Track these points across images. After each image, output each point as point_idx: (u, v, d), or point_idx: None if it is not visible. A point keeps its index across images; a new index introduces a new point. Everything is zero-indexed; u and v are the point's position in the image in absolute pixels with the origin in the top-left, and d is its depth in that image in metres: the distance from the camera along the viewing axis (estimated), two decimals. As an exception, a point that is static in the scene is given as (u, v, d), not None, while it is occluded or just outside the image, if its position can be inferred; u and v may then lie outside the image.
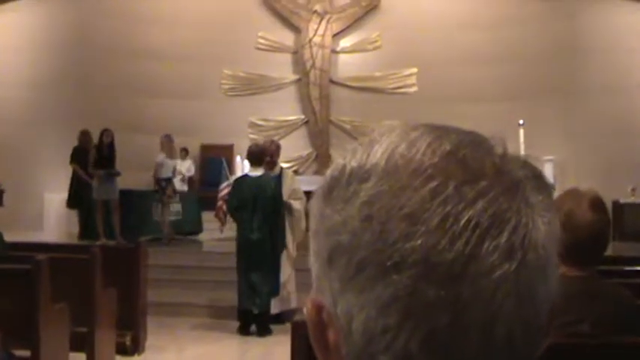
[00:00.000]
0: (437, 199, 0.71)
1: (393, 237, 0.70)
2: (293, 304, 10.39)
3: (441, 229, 0.69)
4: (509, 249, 0.70)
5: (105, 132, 14.44)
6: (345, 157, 0.79)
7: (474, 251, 0.69)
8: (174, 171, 14.98)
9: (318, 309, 0.78)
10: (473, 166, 0.73)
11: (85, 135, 14.86)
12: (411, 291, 0.69)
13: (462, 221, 0.70)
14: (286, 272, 10.38)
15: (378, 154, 0.76)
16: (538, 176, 0.77)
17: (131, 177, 14.76)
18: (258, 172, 10.03)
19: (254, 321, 9.93)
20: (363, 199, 0.73)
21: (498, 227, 0.70)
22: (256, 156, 10.13)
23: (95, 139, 14.56)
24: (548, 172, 13.45)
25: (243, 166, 15.94)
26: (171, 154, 14.98)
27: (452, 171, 0.72)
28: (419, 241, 0.69)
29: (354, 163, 0.77)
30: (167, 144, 14.90)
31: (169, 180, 14.80)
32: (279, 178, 10.47)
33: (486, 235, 0.70)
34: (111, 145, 14.33)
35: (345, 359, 0.76)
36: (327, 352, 0.79)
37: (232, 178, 13.56)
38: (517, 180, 0.74)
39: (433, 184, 0.71)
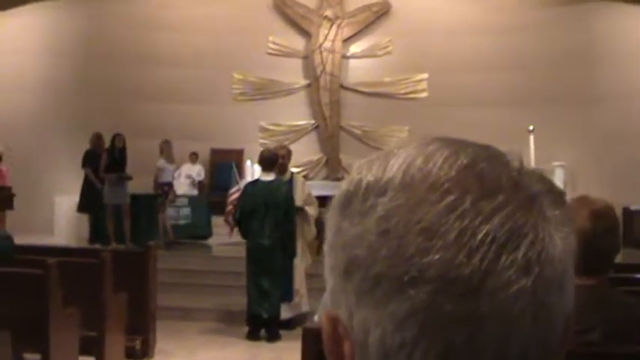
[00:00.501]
0: (454, 213, 0.71)
1: (409, 251, 0.70)
2: (304, 309, 10.39)
3: (458, 244, 0.70)
4: (526, 264, 0.70)
5: (117, 136, 14.50)
6: (360, 170, 0.79)
7: (491, 266, 0.69)
8: (174, 175, 15.04)
9: (334, 322, 0.78)
10: (490, 180, 0.73)
11: (98, 138, 14.89)
12: (428, 306, 0.69)
13: (479, 236, 0.70)
14: (299, 279, 10.37)
15: (394, 167, 0.76)
16: (554, 191, 0.77)
17: (140, 182, 14.79)
18: (270, 177, 10.01)
19: (264, 326, 9.92)
20: (380, 214, 0.73)
21: (515, 242, 0.70)
22: (268, 161, 10.11)
23: (107, 143, 14.62)
24: (558, 177, 13.42)
25: (253, 171, 15.95)
26: (170, 159, 15.05)
27: (469, 185, 0.72)
28: (436, 256, 0.70)
29: (370, 177, 0.77)
30: (166, 149, 14.97)
31: (170, 184, 14.86)
32: (290, 183, 10.48)
33: (503, 250, 0.70)
34: (123, 150, 14.39)
35: None
36: None
37: (242, 183, 13.59)
38: (534, 194, 0.74)
39: (450, 198, 0.71)
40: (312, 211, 10.40)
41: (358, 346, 0.75)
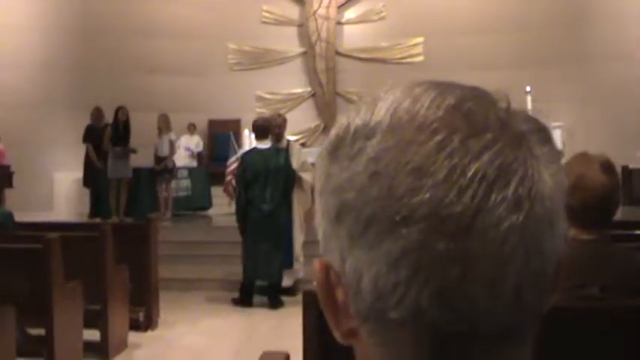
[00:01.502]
0: (443, 152, 0.71)
1: (400, 192, 0.70)
2: (301, 275, 10.45)
3: (448, 182, 0.69)
4: (517, 200, 0.70)
5: (120, 109, 14.47)
6: (348, 116, 0.79)
7: (482, 203, 0.69)
8: (171, 147, 14.97)
9: (326, 269, 0.79)
10: (477, 119, 0.73)
11: (97, 112, 14.83)
12: (421, 245, 0.69)
13: (469, 174, 0.70)
14: (298, 245, 10.42)
15: (382, 111, 0.76)
16: (542, 129, 0.77)
17: (139, 155, 14.79)
18: (266, 144, 10.06)
19: (265, 293, 9.98)
20: (369, 156, 0.73)
21: (505, 179, 0.70)
22: (262, 129, 10.15)
23: (109, 116, 14.60)
24: (556, 138, 13.36)
25: (250, 140, 15.93)
26: (167, 130, 14.98)
27: (457, 124, 0.72)
28: (427, 195, 0.69)
29: (358, 121, 0.77)
30: (162, 122, 14.94)
31: (165, 158, 14.82)
32: (286, 151, 10.48)
33: (493, 187, 0.70)
34: (126, 123, 14.38)
35: (354, 318, 0.77)
36: (335, 313, 0.79)
37: (240, 152, 13.59)
38: (521, 133, 0.74)
39: (438, 137, 0.71)
40: (307, 177, 10.40)
41: (352, 291, 0.75)
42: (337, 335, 0.80)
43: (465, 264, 0.69)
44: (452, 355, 0.73)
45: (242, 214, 10.01)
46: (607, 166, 3.01)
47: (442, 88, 0.77)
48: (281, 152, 10.16)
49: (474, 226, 0.69)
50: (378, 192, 0.71)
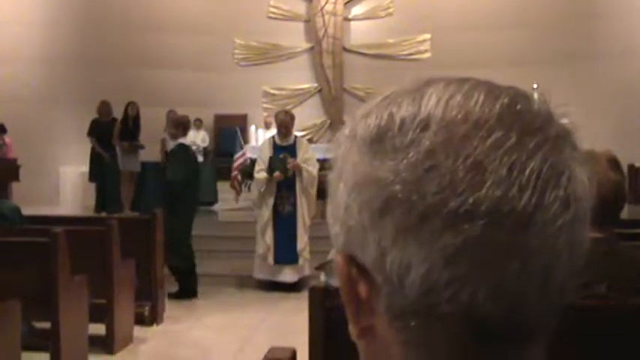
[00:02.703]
0: (501, 149, 0.72)
1: (461, 187, 0.71)
2: (307, 272, 10.45)
3: (509, 179, 0.71)
4: (567, 199, 0.73)
5: (131, 104, 14.51)
6: (385, 108, 0.78)
7: (540, 200, 0.71)
8: None
9: (349, 262, 0.78)
10: (528, 118, 0.75)
11: (104, 105, 14.83)
12: (482, 240, 0.70)
13: (527, 171, 0.71)
14: (302, 240, 10.42)
15: (432, 103, 0.75)
16: (572, 132, 0.79)
17: (145, 149, 14.82)
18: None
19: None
20: (425, 148, 0.73)
21: (556, 178, 0.72)
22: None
23: (117, 112, 14.62)
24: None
25: (257, 136, 15.97)
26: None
27: (511, 123, 0.73)
28: (489, 191, 0.70)
29: (404, 113, 0.76)
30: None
31: None
32: (294, 146, 10.49)
33: (547, 186, 0.72)
34: (136, 118, 14.41)
35: (384, 314, 0.76)
36: (357, 306, 0.78)
37: (246, 148, 13.60)
38: (561, 134, 0.76)
39: (497, 134, 0.72)
40: (310, 169, 10.37)
41: (389, 287, 0.74)
42: (353, 331, 0.80)
43: (524, 258, 0.71)
44: (487, 349, 0.74)
45: None
46: (614, 163, 3.01)
47: (489, 85, 0.78)
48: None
49: (533, 222, 0.71)
50: (438, 186, 0.71)
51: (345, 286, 0.79)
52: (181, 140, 10.41)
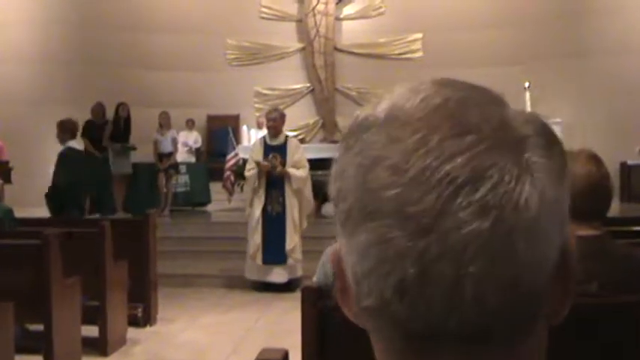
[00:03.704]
0: (418, 151, 0.71)
1: (374, 186, 0.72)
2: (299, 273, 10.45)
3: (417, 182, 0.70)
4: (483, 207, 0.69)
5: (121, 105, 14.49)
6: (364, 108, 0.82)
7: (446, 206, 0.69)
8: (175, 144, 15.01)
9: (335, 254, 0.81)
10: (461, 120, 0.73)
11: (98, 107, 14.80)
12: (385, 239, 0.71)
13: (437, 175, 0.70)
14: (292, 241, 10.42)
15: (383, 105, 0.78)
16: (544, 133, 0.76)
17: (138, 150, 14.80)
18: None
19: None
20: (358, 149, 0.75)
21: (475, 184, 0.69)
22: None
23: (110, 113, 14.60)
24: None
25: (249, 136, 15.96)
26: (169, 127, 15.03)
27: (438, 124, 0.73)
28: (395, 191, 0.71)
29: (362, 114, 0.79)
30: (163, 120, 14.98)
31: (169, 155, 14.85)
32: (284, 146, 10.48)
33: (460, 192, 0.69)
34: (127, 119, 14.39)
35: (354, 301, 0.79)
36: (344, 294, 0.81)
37: (239, 148, 13.60)
38: (520, 136, 0.74)
39: (417, 136, 0.72)
40: (300, 173, 10.36)
41: (349, 275, 0.78)
42: (349, 315, 0.83)
43: (423, 263, 0.70)
44: (419, 351, 0.74)
45: None
46: (595, 156, 3.02)
47: (438, 87, 0.77)
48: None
49: (435, 228, 0.69)
50: (357, 184, 0.74)
51: (336, 273, 0.82)
52: (70, 144, 10.38)
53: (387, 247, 0.70)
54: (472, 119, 0.73)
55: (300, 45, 18.95)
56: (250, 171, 10.44)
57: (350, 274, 0.76)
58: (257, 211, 10.43)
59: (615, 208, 3.22)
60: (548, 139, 0.76)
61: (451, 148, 0.71)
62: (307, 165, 10.44)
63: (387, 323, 0.74)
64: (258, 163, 10.27)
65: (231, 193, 13.64)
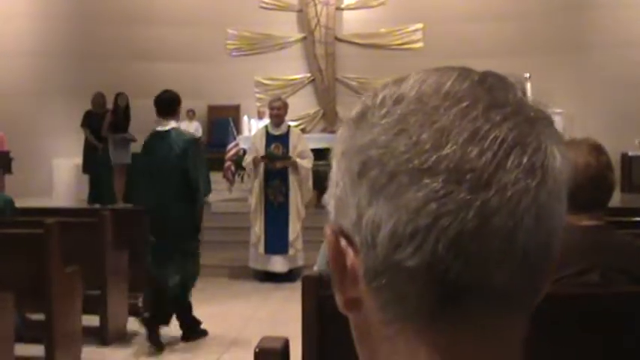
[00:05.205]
0: (467, 117, 0.76)
1: (425, 147, 0.75)
2: (300, 263, 10.47)
3: (471, 142, 0.75)
4: (531, 167, 0.75)
5: (119, 95, 14.47)
6: (372, 91, 0.84)
7: (501, 163, 0.74)
8: None
9: (337, 234, 0.82)
10: (498, 94, 0.79)
11: (99, 97, 14.78)
12: (443, 194, 0.73)
13: (490, 137, 0.75)
14: (294, 231, 10.43)
15: (408, 84, 0.81)
16: (549, 118, 0.81)
17: (138, 141, 14.78)
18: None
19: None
20: (396, 117, 0.78)
21: (521, 147, 0.75)
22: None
23: (110, 104, 14.59)
24: (557, 125, 13.38)
25: (250, 126, 15.95)
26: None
27: (480, 96, 0.78)
28: (451, 149, 0.74)
29: (385, 92, 0.82)
30: None
31: None
32: (287, 136, 10.48)
33: (511, 152, 0.75)
34: (126, 109, 14.37)
35: (363, 279, 0.80)
36: (343, 277, 0.82)
37: (239, 138, 13.60)
38: (534, 116, 0.79)
39: (463, 104, 0.77)
40: (306, 164, 10.39)
41: (365, 247, 0.78)
42: (340, 301, 0.83)
43: (483, 215, 0.73)
44: (455, 309, 0.76)
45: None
46: (597, 147, 3.03)
47: (463, 68, 0.83)
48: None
49: (493, 182, 0.74)
50: (405, 146, 0.76)
51: (332, 254, 0.82)
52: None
53: (447, 200, 0.73)
54: (503, 94, 0.79)
55: (300, 35, 18.92)
56: (247, 160, 10.50)
57: (385, 239, 0.76)
58: (257, 200, 10.45)
59: (616, 199, 3.23)
60: (552, 122, 0.82)
61: (496, 116, 0.76)
62: (312, 155, 10.47)
63: (426, 283, 0.75)
64: (254, 158, 10.30)
65: (231, 183, 13.63)
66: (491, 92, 0.79)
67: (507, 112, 0.77)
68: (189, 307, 8.15)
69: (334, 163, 0.84)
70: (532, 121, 0.78)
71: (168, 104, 8.18)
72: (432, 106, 0.77)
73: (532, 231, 0.75)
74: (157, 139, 7.98)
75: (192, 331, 8.10)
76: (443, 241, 0.73)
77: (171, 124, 8.10)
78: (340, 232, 0.81)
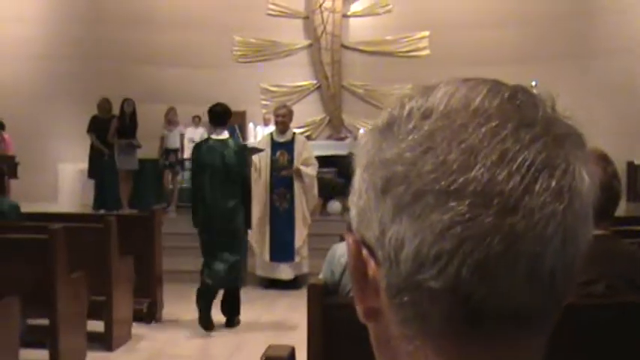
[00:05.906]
0: (496, 137, 0.75)
1: (453, 167, 0.74)
2: (305, 270, 10.46)
3: (500, 164, 0.74)
4: (559, 191, 0.75)
5: (126, 101, 14.49)
6: (400, 100, 0.83)
7: (529, 187, 0.74)
8: (182, 140, 15.10)
9: (359, 244, 0.82)
10: (528, 113, 0.78)
11: (104, 102, 14.80)
12: (469, 218, 0.73)
13: (519, 159, 0.74)
14: (300, 238, 10.43)
15: (438, 96, 0.80)
16: (579, 134, 0.81)
17: (144, 146, 14.81)
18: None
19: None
20: (424, 132, 0.77)
21: (550, 170, 0.75)
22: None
23: (117, 109, 14.62)
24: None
25: (256, 133, 15.97)
26: (173, 124, 15.12)
27: (510, 114, 0.77)
28: (479, 172, 0.73)
29: (413, 103, 0.81)
30: (169, 116, 15.05)
31: (176, 150, 14.93)
32: (292, 143, 10.48)
33: (539, 176, 0.74)
34: (133, 115, 14.40)
35: (384, 292, 0.79)
36: (364, 287, 0.82)
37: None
38: (564, 133, 0.79)
39: (493, 123, 0.76)
40: (310, 171, 10.38)
41: (388, 263, 0.78)
42: (360, 310, 0.83)
43: (509, 240, 0.73)
44: (477, 329, 0.76)
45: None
46: (604, 157, 3.02)
47: (494, 82, 0.82)
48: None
49: (520, 206, 0.73)
50: (432, 166, 0.75)
51: (353, 265, 0.82)
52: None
53: (473, 224, 0.73)
54: (533, 112, 0.78)
55: (307, 42, 18.92)
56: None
57: (409, 258, 0.75)
58: (262, 208, 10.44)
59: (621, 208, 3.21)
60: (582, 140, 0.81)
61: (525, 137, 0.75)
62: (316, 162, 10.47)
63: (449, 305, 0.75)
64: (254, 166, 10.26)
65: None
66: (521, 110, 0.78)
67: (536, 131, 0.76)
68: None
69: (357, 172, 0.83)
70: (561, 140, 0.77)
71: (221, 116, 9.06)
72: (460, 123, 0.76)
73: (559, 254, 0.75)
74: (216, 145, 8.78)
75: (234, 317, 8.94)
76: (468, 265, 0.73)
77: (225, 134, 8.94)
78: (362, 242, 0.81)
